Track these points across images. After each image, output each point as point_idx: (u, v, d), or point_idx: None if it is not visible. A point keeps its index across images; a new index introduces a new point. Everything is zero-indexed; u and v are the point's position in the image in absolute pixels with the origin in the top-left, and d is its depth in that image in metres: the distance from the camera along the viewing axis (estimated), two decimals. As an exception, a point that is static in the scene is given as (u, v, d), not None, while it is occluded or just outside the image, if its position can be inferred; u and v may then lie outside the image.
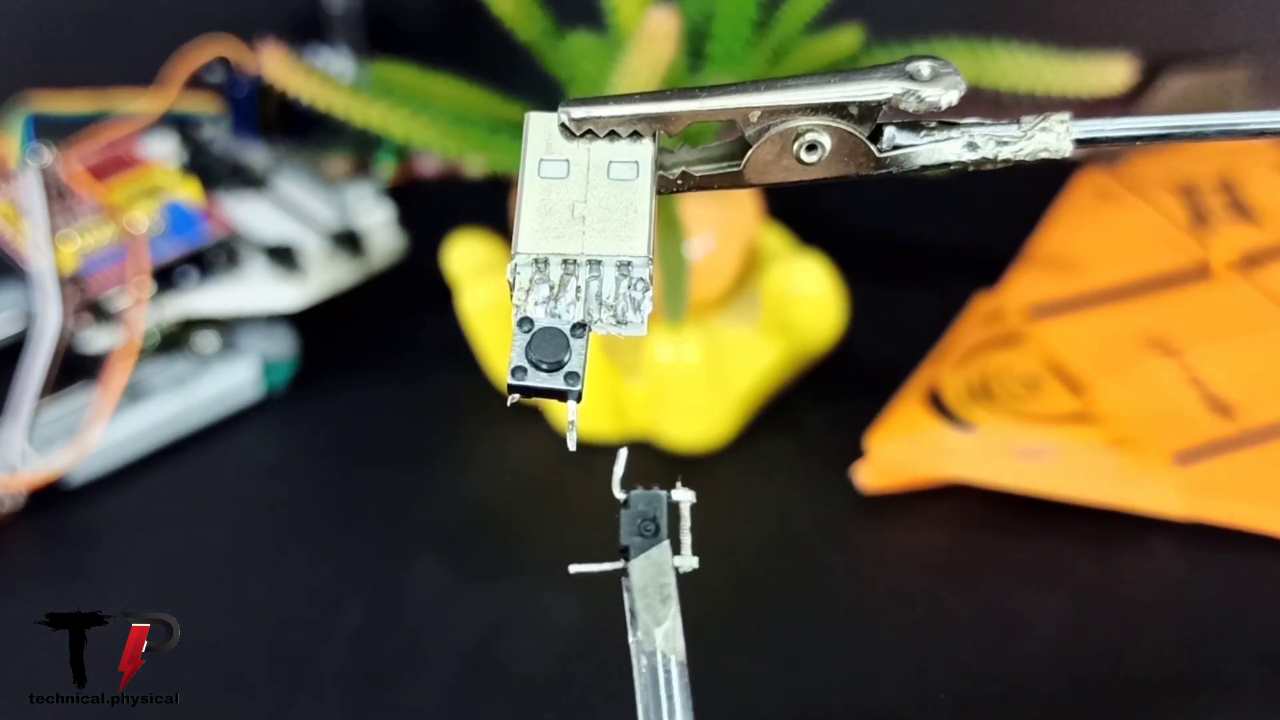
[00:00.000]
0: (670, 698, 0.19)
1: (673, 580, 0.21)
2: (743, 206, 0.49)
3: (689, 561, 0.21)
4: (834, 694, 0.42)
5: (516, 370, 0.22)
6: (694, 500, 0.22)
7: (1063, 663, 0.43)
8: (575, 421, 0.22)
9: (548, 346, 0.22)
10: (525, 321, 0.22)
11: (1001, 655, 0.43)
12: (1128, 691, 0.42)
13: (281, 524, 0.49)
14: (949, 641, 0.44)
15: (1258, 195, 0.53)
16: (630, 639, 0.20)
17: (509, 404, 0.22)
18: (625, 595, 0.21)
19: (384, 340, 0.55)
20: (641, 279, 0.22)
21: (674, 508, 0.22)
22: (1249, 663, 0.42)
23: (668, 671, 0.20)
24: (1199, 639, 0.43)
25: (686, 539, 0.22)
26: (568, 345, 0.22)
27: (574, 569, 0.21)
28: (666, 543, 0.21)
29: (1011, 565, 0.46)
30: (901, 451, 0.46)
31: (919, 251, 0.57)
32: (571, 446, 0.22)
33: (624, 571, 0.21)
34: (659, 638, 0.20)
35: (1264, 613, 0.44)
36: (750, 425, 0.50)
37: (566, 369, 0.22)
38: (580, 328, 0.22)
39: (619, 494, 0.21)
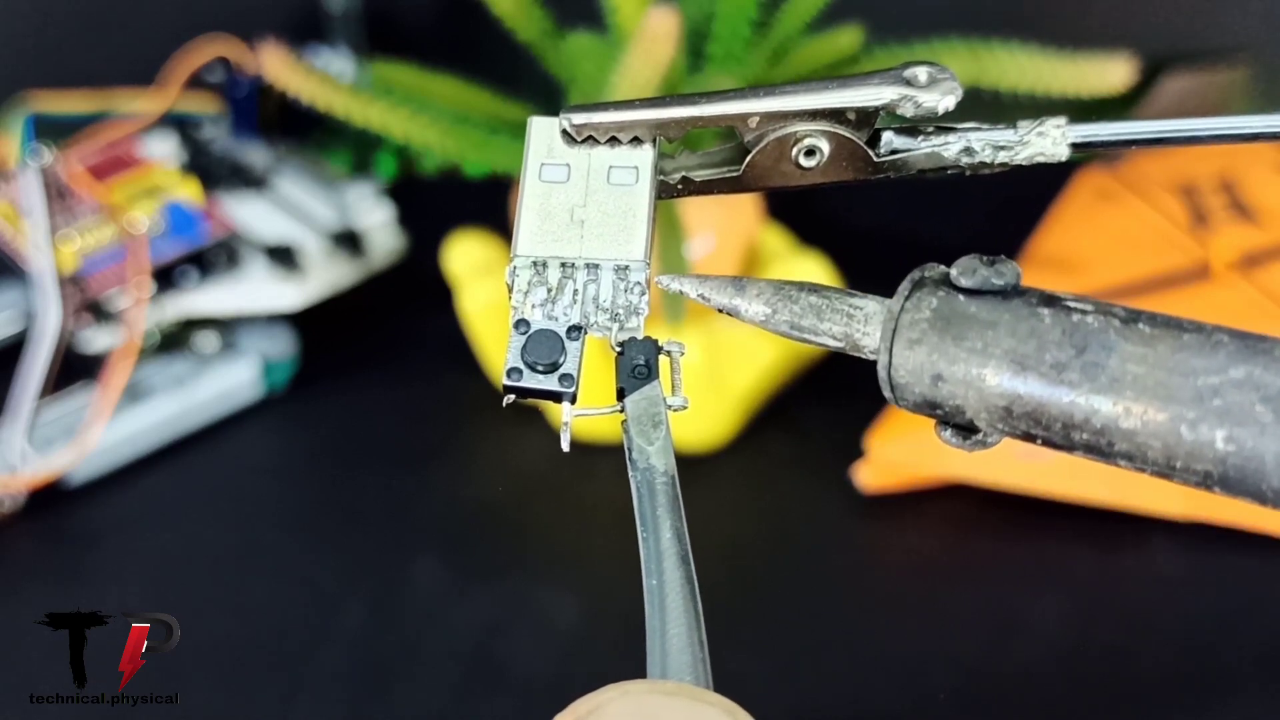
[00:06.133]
0: (656, 506, 0.21)
1: (664, 410, 0.22)
2: (743, 207, 0.49)
3: (680, 400, 0.23)
4: (834, 694, 0.42)
5: (512, 371, 0.22)
6: (684, 350, 0.22)
7: (1063, 663, 0.43)
8: (569, 423, 0.22)
9: (543, 348, 0.22)
10: (522, 323, 0.22)
11: (1001, 655, 0.43)
12: (1127, 691, 0.42)
13: (281, 524, 0.49)
14: (949, 641, 0.44)
15: (1258, 195, 0.53)
16: (627, 460, 0.22)
17: (505, 404, 0.23)
18: (624, 432, 0.22)
19: (384, 340, 0.55)
20: (639, 283, 0.22)
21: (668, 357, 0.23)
22: (1249, 663, 0.42)
23: (653, 483, 0.21)
24: (1199, 639, 0.43)
25: (679, 383, 0.23)
26: (563, 347, 0.22)
27: (575, 412, 0.22)
28: (658, 381, 0.23)
29: (1011, 565, 0.46)
30: (901, 451, 0.46)
31: (919, 251, 0.56)
32: (565, 447, 0.22)
33: (621, 409, 0.22)
34: (651, 455, 0.22)
35: (1264, 613, 0.44)
36: (750, 425, 0.50)
37: (561, 371, 0.22)
38: (576, 330, 0.22)
39: (614, 347, 0.22)
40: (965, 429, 0.20)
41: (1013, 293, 0.20)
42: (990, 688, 0.42)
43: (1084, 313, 0.19)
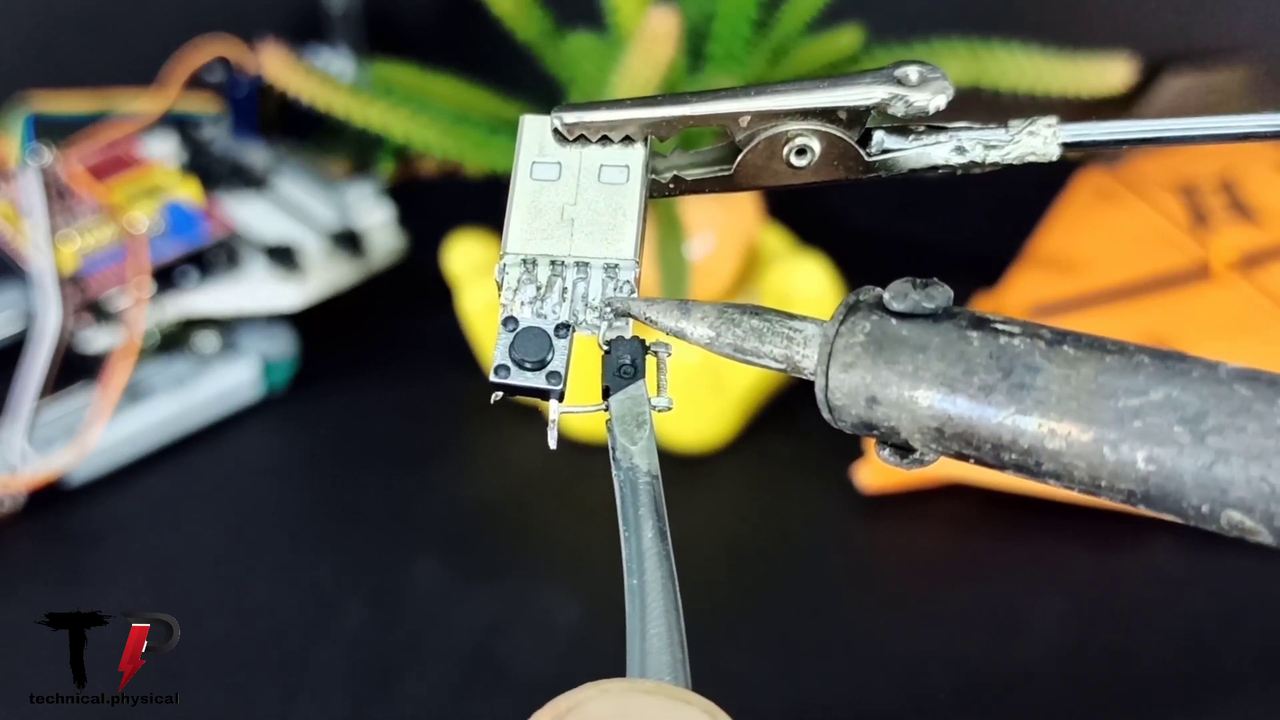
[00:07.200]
0: (639, 505, 0.21)
1: (648, 410, 0.22)
2: (743, 207, 0.49)
3: (664, 401, 0.23)
4: (834, 694, 0.42)
5: (499, 368, 0.22)
6: (671, 350, 0.22)
7: (1063, 663, 0.43)
8: (556, 420, 0.22)
9: (531, 346, 0.22)
10: (510, 321, 0.23)
11: (1001, 655, 0.43)
12: (1128, 691, 0.42)
13: (281, 524, 0.49)
14: (949, 641, 0.44)
15: (1258, 195, 0.53)
16: (611, 460, 0.22)
17: (492, 400, 0.23)
18: (608, 431, 0.22)
19: (384, 340, 0.55)
20: (628, 281, 0.22)
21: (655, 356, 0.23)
22: (1249, 663, 0.42)
23: (636, 483, 0.22)
24: (1199, 639, 0.43)
25: (665, 383, 0.23)
26: (551, 345, 0.22)
27: (561, 410, 0.22)
28: (642, 381, 0.23)
29: (1011, 565, 0.46)
30: (901, 451, 0.46)
31: (919, 251, 0.57)
32: (552, 444, 0.23)
33: (605, 408, 0.22)
34: (634, 455, 0.22)
35: (1264, 613, 0.44)
36: (750, 425, 0.50)
37: (549, 368, 0.22)
38: (564, 328, 0.22)
39: (602, 345, 0.22)
40: (902, 448, 0.21)
41: (943, 315, 0.20)
42: (990, 688, 0.42)
43: (1011, 335, 0.20)
